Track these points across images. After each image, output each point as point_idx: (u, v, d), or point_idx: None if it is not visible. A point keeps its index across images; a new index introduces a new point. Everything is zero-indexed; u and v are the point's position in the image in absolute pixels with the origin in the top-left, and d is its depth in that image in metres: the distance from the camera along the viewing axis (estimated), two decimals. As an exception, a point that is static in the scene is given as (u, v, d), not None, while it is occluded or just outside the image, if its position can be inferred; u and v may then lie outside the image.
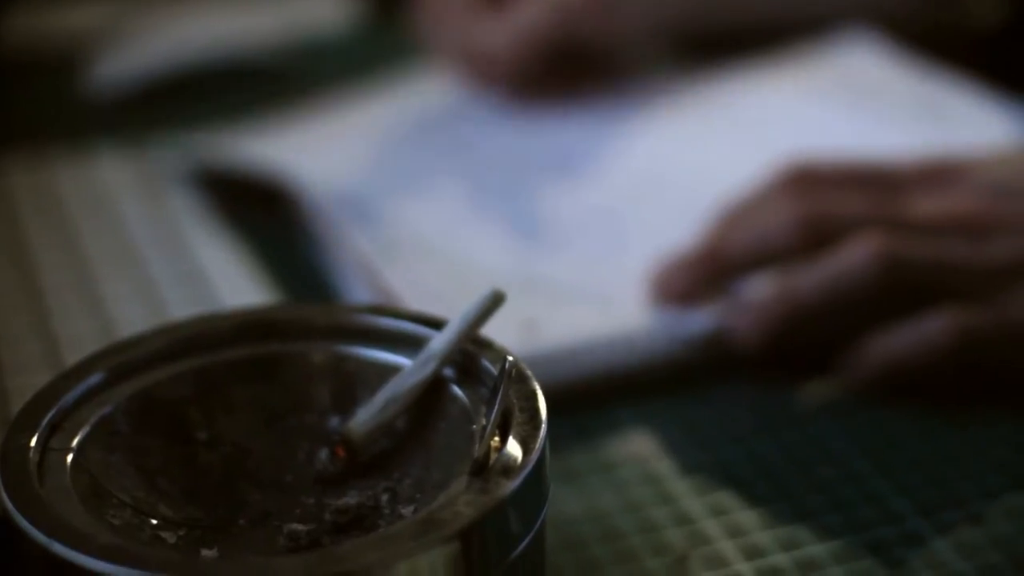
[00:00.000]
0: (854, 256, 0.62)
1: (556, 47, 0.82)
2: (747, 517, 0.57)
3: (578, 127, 0.84)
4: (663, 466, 0.60)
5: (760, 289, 0.65)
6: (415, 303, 0.66)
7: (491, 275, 0.70)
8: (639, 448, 0.61)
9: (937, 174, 0.66)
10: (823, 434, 0.61)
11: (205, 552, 0.47)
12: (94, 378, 0.51)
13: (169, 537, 0.47)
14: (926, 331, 0.62)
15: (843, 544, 0.55)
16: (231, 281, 0.70)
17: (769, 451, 0.60)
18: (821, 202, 0.65)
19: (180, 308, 0.67)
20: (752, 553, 0.54)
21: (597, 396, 0.64)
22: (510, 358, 0.48)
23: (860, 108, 0.82)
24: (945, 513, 0.56)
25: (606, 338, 0.65)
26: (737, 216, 0.67)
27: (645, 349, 0.65)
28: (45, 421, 0.48)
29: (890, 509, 0.56)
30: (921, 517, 0.56)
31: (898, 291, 0.63)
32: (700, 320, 0.66)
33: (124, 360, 0.52)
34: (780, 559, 0.54)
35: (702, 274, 0.66)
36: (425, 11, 0.86)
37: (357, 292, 0.72)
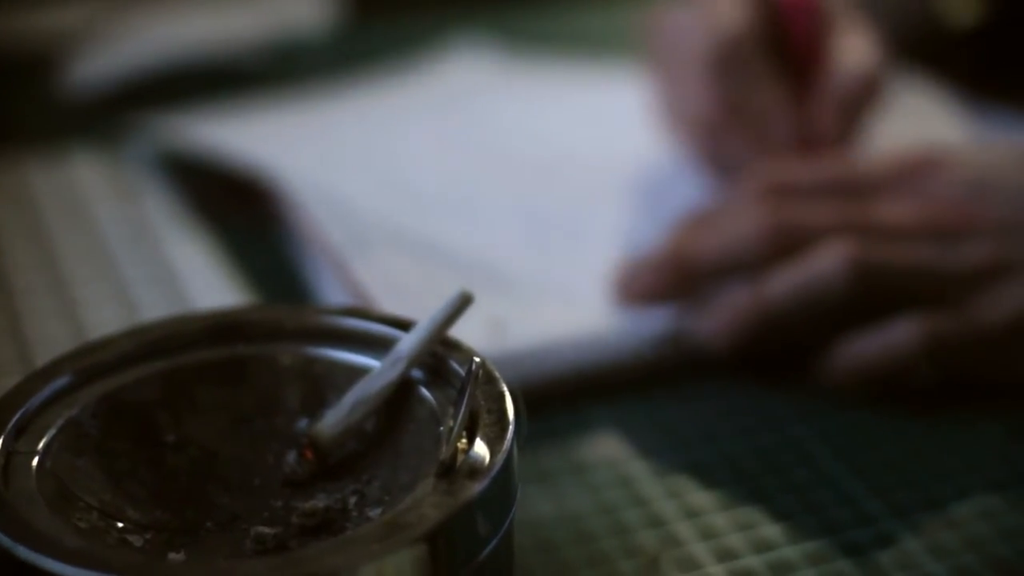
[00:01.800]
0: (824, 262, 0.62)
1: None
2: (720, 519, 0.56)
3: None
4: (636, 468, 0.60)
5: (729, 294, 0.65)
6: (387, 299, 0.66)
7: (462, 272, 0.71)
8: (612, 450, 0.61)
9: (911, 172, 0.65)
10: (797, 436, 0.61)
11: (172, 556, 0.47)
12: (61, 380, 0.50)
13: (136, 541, 0.47)
14: (894, 337, 0.62)
15: (817, 546, 0.55)
16: (204, 282, 0.70)
17: (743, 453, 0.60)
18: (791, 211, 0.65)
19: (153, 309, 0.67)
20: (725, 555, 0.54)
21: (568, 397, 0.64)
22: (477, 359, 0.48)
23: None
24: (919, 515, 0.56)
25: (574, 337, 0.65)
26: (706, 222, 0.67)
27: (614, 348, 0.65)
28: (11, 424, 0.48)
29: (864, 511, 0.56)
30: (895, 519, 0.56)
31: (869, 297, 0.63)
32: (667, 320, 0.66)
33: (92, 362, 0.51)
34: (753, 561, 0.54)
35: (667, 277, 0.66)
36: (710, 112, 0.76)
37: (329, 289, 0.72)
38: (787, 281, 0.63)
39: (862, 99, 0.74)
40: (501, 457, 0.45)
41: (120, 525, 0.47)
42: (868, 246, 0.62)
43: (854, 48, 0.75)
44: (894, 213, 0.64)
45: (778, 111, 0.73)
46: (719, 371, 0.65)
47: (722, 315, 0.64)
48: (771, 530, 0.56)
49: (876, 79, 0.75)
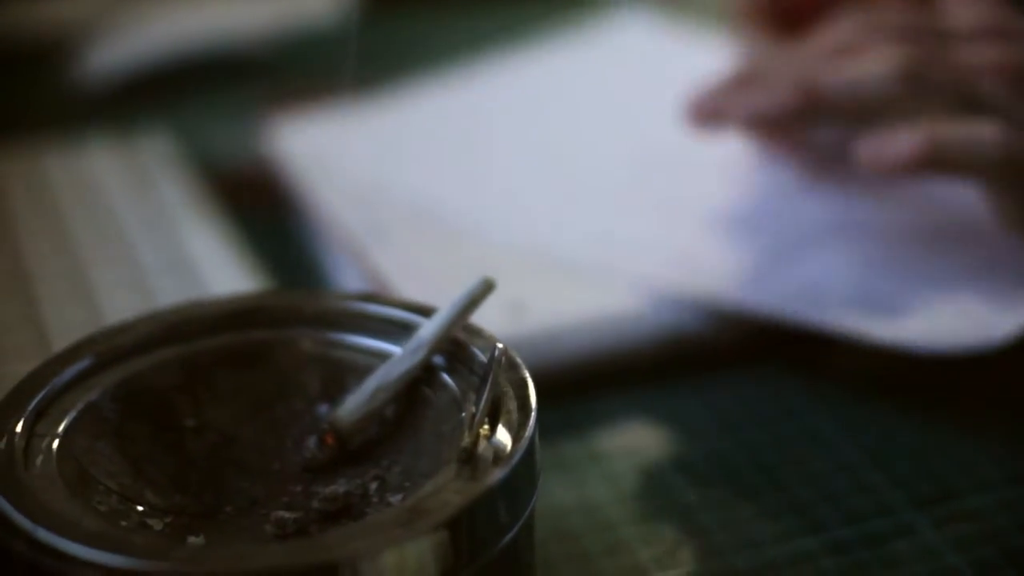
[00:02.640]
0: (878, 62, 0.64)
1: None
2: (739, 509, 0.56)
3: None
4: (655, 456, 0.60)
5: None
6: (404, 284, 0.66)
7: (482, 254, 0.70)
8: (631, 438, 0.61)
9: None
10: (816, 426, 0.61)
11: (191, 539, 0.46)
12: (81, 364, 0.50)
13: (155, 524, 0.47)
14: (979, 130, 0.62)
15: (836, 536, 0.54)
16: (220, 268, 0.70)
17: (761, 442, 0.60)
18: (929, 54, 0.65)
19: (169, 296, 0.66)
20: (744, 545, 0.54)
21: (587, 384, 0.63)
22: (500, 346, 0.47)
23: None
24: (939, 506, 0.56)
25: (593, 320, 0.65)
26: (817, 54, 0.67)
27: (633, 332, 0.65)
28: (31, 407, 0.48)
29: (883, 501, 0.56)
30: (914, 510, 0.56)
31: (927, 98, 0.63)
32: (686, 305, 0.65)
33: (111, 347, 0.51)
34: (772, 551, 0.54)
35: (781, 101, 0.67)
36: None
37: (346, 275, 0.71)
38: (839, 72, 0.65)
39: None
40: (523, 444, 0.44)
41: (139, 509, 0.47)
42: (926, 50, 0.64)
43: None
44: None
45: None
46: (736, 359, 0.65)
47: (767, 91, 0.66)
48: (790, 520, 0.55)
49: None
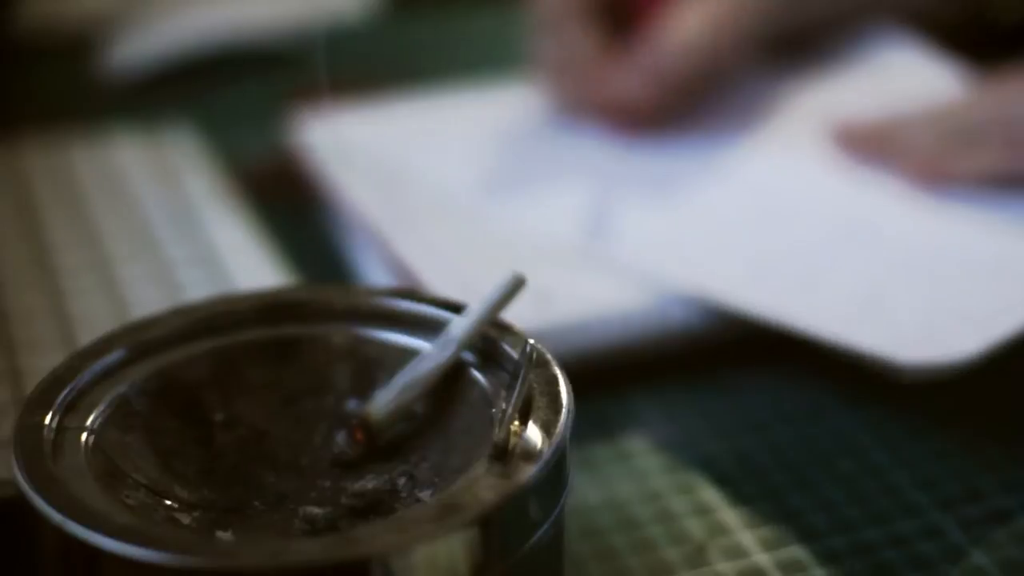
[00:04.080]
0: None
1: (692, 82, 0.81)
2: (766, 508, 0.56)
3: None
4: (681, 455, 0.59)
5: None
6: (431, 276, 0.66)
7: (507, 245, 0.70)
8: (656, 437, 0.61)
9: None
10: (843, 426, 0.61)
11: (220, 534, 0.46)
12: (111, 357, 0.50)
13: (183, 519, 0.47)
14: None
15: (862, 537, 0.54)
16: (245, 262, 0.70)
17: (788, 442, 0.60)
18: None
19: (194, 289, 0.66)
20: (771, 544, 0.54)
21: (612, 378, 0.63)
22: (532, 342, 0.47)
23: None
24: (966, 507, 0.56)
25: (619, 313, 0.65)
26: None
27: (659, 327, 0.65)
28: (60, 399, 0.48)
29: (910, 502, 0.56)
30: (941, 511, 0.55)
31: None
32: (713, 301, 0.65)
33: (141, 340, 0.51)
34: (799, 551, 0.54)
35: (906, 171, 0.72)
36: (546, 63, 0.83)
37: (371, 268, 0.71)
38: None
39: (678, 72, 0.78)
40: (555, 441, 0.44)
41: (167, 503, 0.47)
42: None
43: (689, 22, 0.78)
44: None
45: (591, 70, 0.79)
46: (761, 357, 0.65)
47: None
48: (817, 519, 0.55)
49: (699, 56, 0.79)
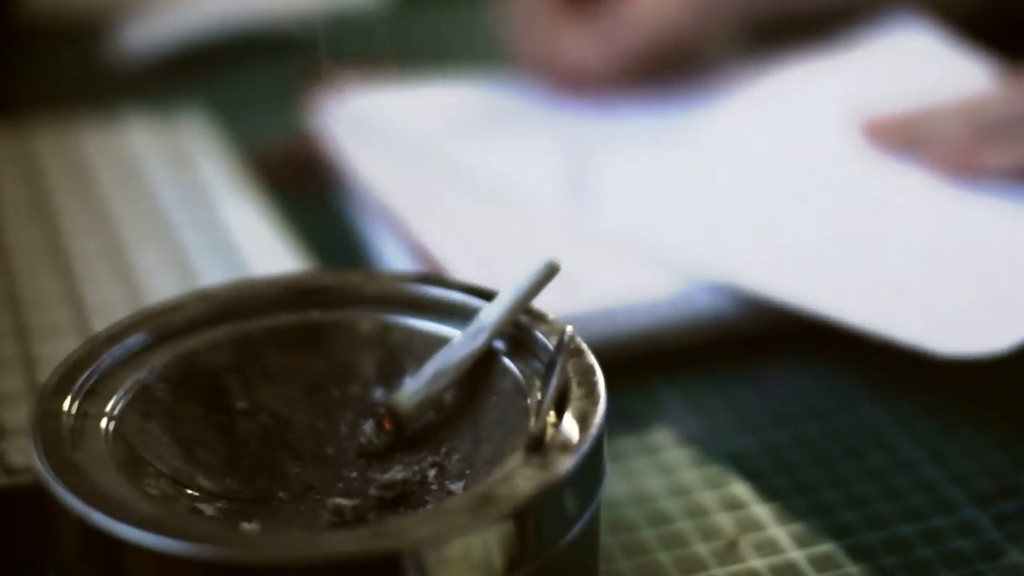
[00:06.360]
0: None
1: (648, 58, 0.80)
2: (797, 503, 0.55)
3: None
4: (709, 449, 0.58)
5: None
6: (451, 258, 0.65)
7: (532, 229, 0.69)
8: (685, 430, 0.60)
9: None
10: (873, 420, 0.60)
11: (245, 526, 0.45)
12: (131, 342, 0.49)
13: (207, 509, 0.46)
14: None
15: (895, 533, 0.53)
16: (259, 246, 0.69)
17: (818, 436, 0.59)
18: None
19: (209, 275, 0.65)
20: (803, 540, 0.53)
21: (638, 368, 0.62)
22: (570, 330, 0.46)
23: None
24: (1000, 503, 0.55)
25: (646, 300, 0.64)
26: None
27: (686, 315, 0.64)
28: (80, 385, 0.47)
29: (943, 498, 0.55)
30: (975, 506, 0.54)
31: None
32: (745, 289, 0.64)
33: (162, 324, 0.50)
34: (831, 547, 0.53)
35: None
36: (511, 20, 0.84)
37: (390, 252, 0.70)
38: None
39: (633, 44, 0.79)
40: (593, 432, 0.43)
41: (190, 493, 0.46)
42: None
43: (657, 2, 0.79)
44: None
45: (547, 29, 0.81)
46: (787, 348, 0.64)
47: None
48: (849, 515, 0.54)
49: (658, 31, 0.79)
